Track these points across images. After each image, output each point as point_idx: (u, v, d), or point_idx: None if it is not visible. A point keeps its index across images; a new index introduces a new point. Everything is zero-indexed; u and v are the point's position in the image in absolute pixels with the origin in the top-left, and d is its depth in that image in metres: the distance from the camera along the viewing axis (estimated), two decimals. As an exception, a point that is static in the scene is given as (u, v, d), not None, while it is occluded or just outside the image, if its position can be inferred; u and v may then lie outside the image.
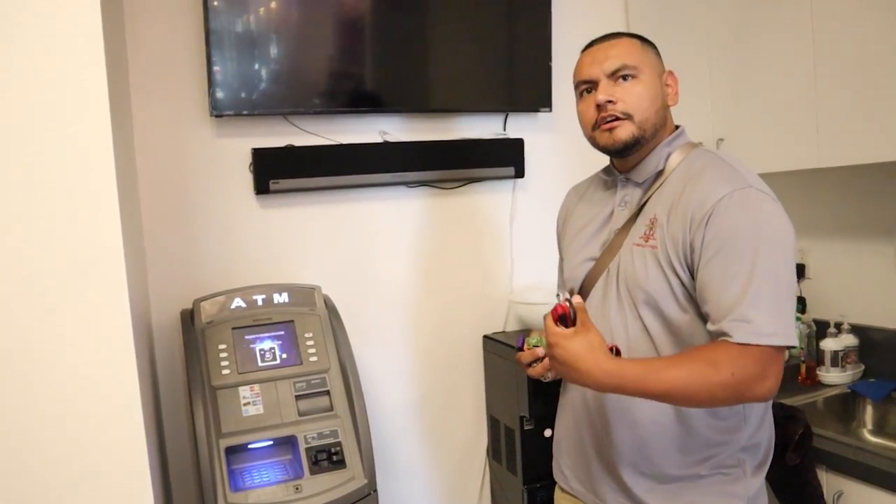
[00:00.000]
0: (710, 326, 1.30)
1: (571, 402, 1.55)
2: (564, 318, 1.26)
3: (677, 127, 1.51)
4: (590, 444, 1.49)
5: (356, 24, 2.32)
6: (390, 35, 2.36)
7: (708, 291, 1.30)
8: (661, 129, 1.46)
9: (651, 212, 1.42)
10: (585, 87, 1.47)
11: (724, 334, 1.26)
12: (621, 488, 1.45)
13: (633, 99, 1.41)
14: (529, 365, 1.50)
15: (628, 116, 1.41)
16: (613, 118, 1.41)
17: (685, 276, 1.34)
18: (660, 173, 1.45)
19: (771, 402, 1.46)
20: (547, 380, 1.52)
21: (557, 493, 1.64)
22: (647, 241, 1.39)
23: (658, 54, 1.50)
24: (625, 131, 1.41)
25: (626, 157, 1.47)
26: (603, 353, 1.23)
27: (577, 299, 1.27)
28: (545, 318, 1.28)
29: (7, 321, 1.27)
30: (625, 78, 1.42)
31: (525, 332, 1.55)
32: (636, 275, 1.39)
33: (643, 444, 1.41)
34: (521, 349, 1.52)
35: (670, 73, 1.49)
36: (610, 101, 1.41)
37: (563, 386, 1.61)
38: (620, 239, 1.46)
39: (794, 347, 1.26)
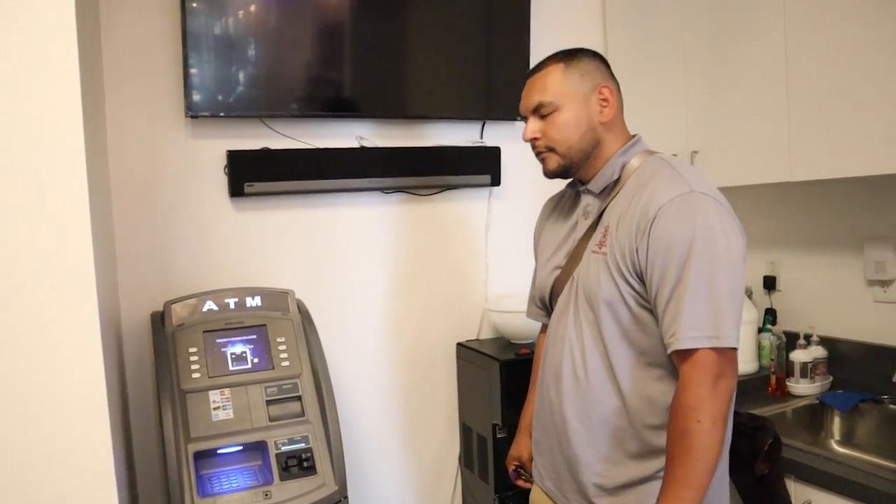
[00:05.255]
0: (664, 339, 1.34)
1: (542, 404, 1.59)
2: None
3: (634, 136, 1.54)
4: (556, 446, 1.52)
5: (335, 29, 2.31)
6: (369, 41, 2.35)
7: (654, 301, 1.35)
8: (595, 148, 1.49)
9: (607, 220, 1.46)
10: (523, 119, 1.56)
11: (669, 344, 1.31)
12: (580, 489, 1.48)
13: (553, 132, 1.49)
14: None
15: (551, 150, 1.50)
16: (541, 151, 1.52)
17: (635, 283, 1.38)
18: (616, 182, 1.49)
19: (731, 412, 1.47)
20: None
21: (534, 490, 1.66)
22: (600, 248, 1.44)
23: (590, 68, 1.49)
24: (551, 163, 1.51)
25: (569, 177, 1.57)
26: None
27: None
28: None
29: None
30: (543, 116, 1.49)
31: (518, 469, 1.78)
32: (590, 281, 1.44)
33: (597, 445, 1.45)
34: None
35: (606, 86, 1.49)
36: (535, 139, 1.51)
37: (539, 387, 1.63)
38: (581, 247, 1.51)
39: (733, 349, 1.30)
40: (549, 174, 1.54)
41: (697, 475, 1.26)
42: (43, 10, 1.26)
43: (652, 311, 1.38)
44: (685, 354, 1.30)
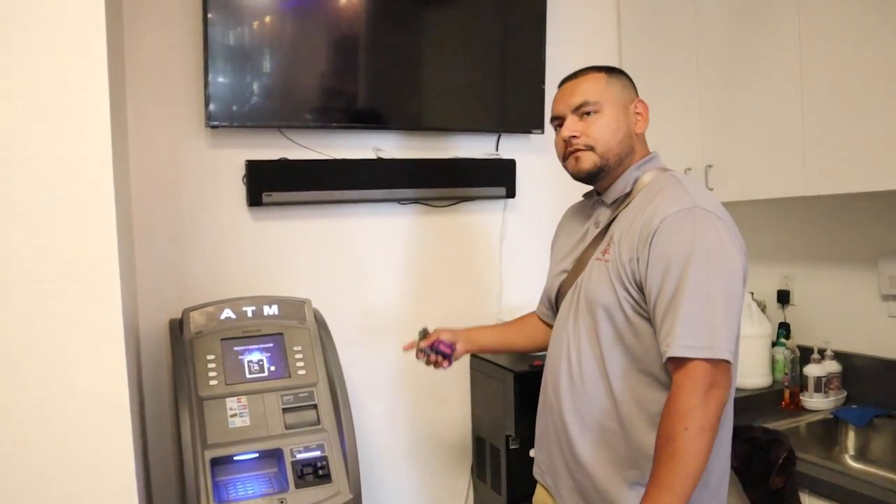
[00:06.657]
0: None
1: (543, 403, 1.65)
2: None
3: (651, 153, 1.60)
4: (555, 444, 1.58)
5: (352, 41, 2.34)
6: (386, 53, 2.38)
7: (653, 311, 1.38)
8: (627, 155, 1.56)
9: (613, 230, 1.52)
10: (557, 122, 1.60)
11: (664, 353, 1.34)
12: (576, 486, 1.52)
13: (594, 132, 1.53)
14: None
15: (591, 148, 1.54)
16: (578, 149, 1.55)
17: (633, 291, 1.43)
18: (628, 195, 1.54)
19: (725, 428, 1.48)
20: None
21: (537, 488, 1.71)
22: (603, 256, 1.50)
23: (627, 83, 1.60)
24: (587, 161, 1.54)
25: (594, 183, 1.60)
26: None
27: None
28: None
29: (-2, 324, 1.27)
30: (588, 113, 1.54)
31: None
32: (591, 287, 1.50)
33: (591, 446, 1.49)
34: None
35: (640, 101, 1.58)
36: (574, 136, 1.55)
37: (542, 387, 1.68)
38: (588, 254, 1.57)
39: (727, 361, 1.32)
40: (582, 173, 1.57)
41: (680, 481, 1.29)
42: (73, 21, 1.29)
43: (648, 319, 1.42)
44: (678, 363, 1.33)
